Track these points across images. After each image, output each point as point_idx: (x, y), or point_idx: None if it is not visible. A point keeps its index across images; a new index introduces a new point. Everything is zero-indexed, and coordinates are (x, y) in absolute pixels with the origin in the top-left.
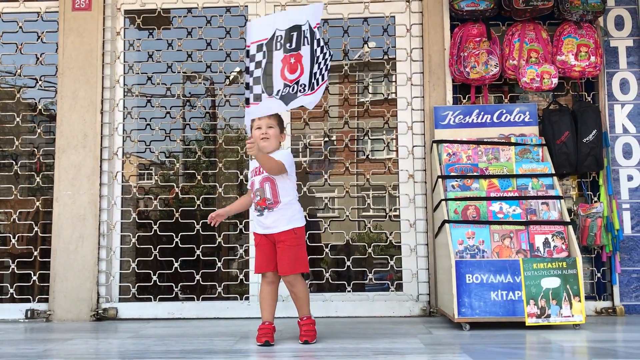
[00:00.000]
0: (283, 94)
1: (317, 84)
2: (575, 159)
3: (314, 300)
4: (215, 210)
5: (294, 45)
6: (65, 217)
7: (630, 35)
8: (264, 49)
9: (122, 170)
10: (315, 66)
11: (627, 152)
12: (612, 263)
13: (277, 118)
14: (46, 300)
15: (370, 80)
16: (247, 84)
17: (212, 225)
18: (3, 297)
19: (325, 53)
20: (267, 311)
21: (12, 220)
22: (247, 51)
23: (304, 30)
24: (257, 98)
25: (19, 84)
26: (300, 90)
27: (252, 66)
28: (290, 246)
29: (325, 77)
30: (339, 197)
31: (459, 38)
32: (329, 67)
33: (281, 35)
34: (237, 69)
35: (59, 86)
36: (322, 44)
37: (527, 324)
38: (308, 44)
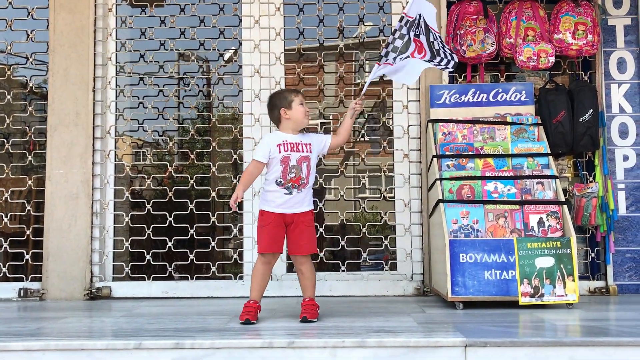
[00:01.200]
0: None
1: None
2: (571, 138)
3: None
4: (209, 189)
5: (418, 31)
6: (57, 196)
7: (628, 14)
8: (409, 24)
9: (115, 148)
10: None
11: (623, 132)
12: (607, 243)
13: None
14: (39, 280)
15: (366, 59)
16: (389, 44)
17: (235, 210)
18: None
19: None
20: (257, 290)
21: (4, 199)
22: (402, 17)
23: (420, 21)
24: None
25: (10, 62)
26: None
27: (397, 34)
28: (309, 226)
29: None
30: (334, 177)
31: (455, 16)
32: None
33: (417, 19)
34: (233, 48)
35: (50, 63)
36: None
37: (520, 303)
38: (423, 34)
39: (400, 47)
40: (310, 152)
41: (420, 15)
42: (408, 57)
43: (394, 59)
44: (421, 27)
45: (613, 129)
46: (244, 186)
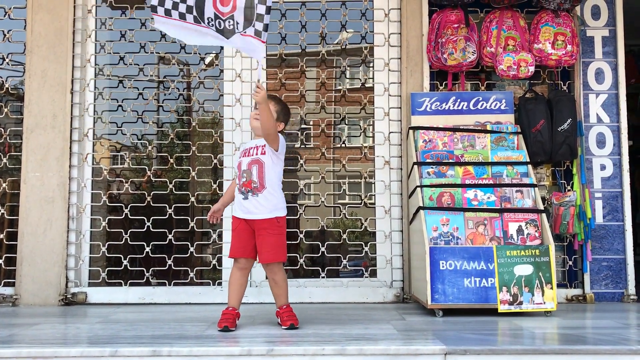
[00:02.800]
0: (218, 27)
1: (256, 34)
2: (550, 147)
3: (288, 286)
4: (188, 194)
5: None
6: (33, 200)
7: (606, 25)
8: None
9: (93, 152)
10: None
11: (601, 142)
12: (584, 251)
13: (278, 105)
14: (13, 285)
15: (348, 65)
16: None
17: (213, 223)
18: None
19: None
20: (233, 297)
21: None
22: None
23: None
24: (182, 17)
25: None
26: (236, 27)
27: None
28: (273, 234)
29: (264, 35)
30: (315, 183)
31: (437, 24)
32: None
33: None
34: (214, 52)
35: (27, 65)
36: None
37: (499, 311)
38: None
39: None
40: (263, 153)
41: None
42: (215, 14)
43: (207, 24)
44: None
45: (591, 138)
46: (224, 200)
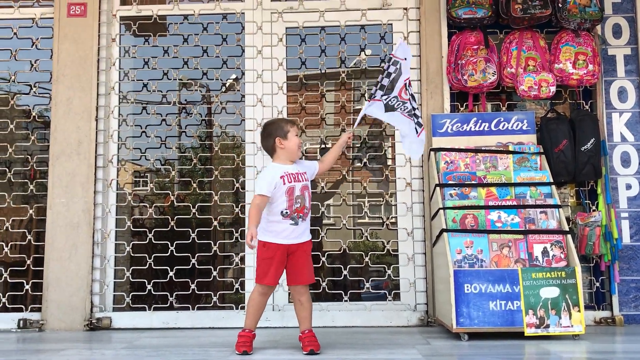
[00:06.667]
0: (394, 104)
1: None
2: (574, 167)
3: None
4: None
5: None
6: (58, 225)
7: (628, 44)
8: (399, 66)
9: (117, 177)
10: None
11: (626, 161)
12: (611, 272)
13: (295, 126)
14: (39, 310)
15: (367, 87)
16: (378, 82)
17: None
18: None
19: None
20: (253, 320)
21: (5, 228)
22: (390, 58)
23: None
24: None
25: (13, 91)
26: (411, 109)
27: (385, 74)
28: (309, 255)
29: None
30: (336, 205)
31: (456, 46)
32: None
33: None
34: (234, 76)
35: (54, 93)
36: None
37: (526, 334)
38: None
39: (387, 85)
40: (307, 179)
41: (405, 59)
42: (396, 96)
43: (382, 96)
44: (402, 70)
45: (615, 157)
46: (255, 222)
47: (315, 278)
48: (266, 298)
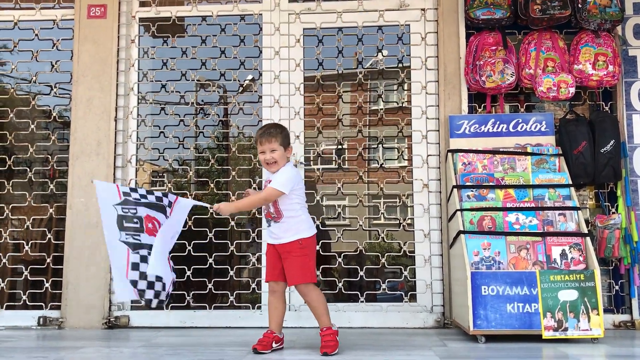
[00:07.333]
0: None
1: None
2: (593, 169)
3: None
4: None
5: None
6: (78, 225)
7: None
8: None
9: (136, 177)
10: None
11: None
12: (631, 275)
13: (280, 137)
14: (58, 308)
15: (384, 88)
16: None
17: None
18: (16, 303)
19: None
20: (270, 319)
21: (25, 226)
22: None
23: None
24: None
25: (33, 91)
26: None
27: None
28: (296, 256)
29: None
30: (352, 206)
31: (474, 47)
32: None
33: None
34: (250, 77)
35: (74, 93)
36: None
37: (543, 337)
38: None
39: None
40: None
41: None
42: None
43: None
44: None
45: (636, 159)
46: (244, 204)
47: (331, 279)
48: (274, 296)
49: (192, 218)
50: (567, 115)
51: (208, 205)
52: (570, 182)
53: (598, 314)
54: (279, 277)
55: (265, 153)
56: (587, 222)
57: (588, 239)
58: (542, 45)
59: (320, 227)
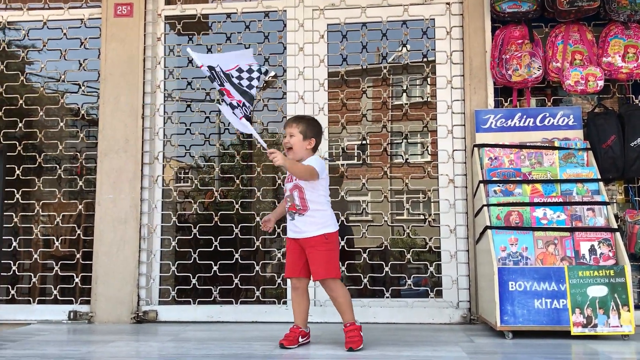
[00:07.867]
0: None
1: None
2: (622, 163)
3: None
4: (253, 213)
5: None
6: (106, 221)
7: None
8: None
9: (163, 174)
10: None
11: None
12: None
13: (301, 125)
14: (88, 302)
15: (409, 83)
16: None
17: (266, 231)
18: (47, 298)
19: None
20: (295, 315)
21: (55, 223)
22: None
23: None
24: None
25: (62, 90)
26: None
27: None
28: (321, 251)
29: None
30: (376, 202)
31: (500, 40)
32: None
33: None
34: (273, 73)
35: (101, 91)
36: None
37: (572, 334)
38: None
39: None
40: (295, 179)
41: (216, 66)
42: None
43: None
44: (221, 76)
45: None
46: (276, 211)
47: (356, 274)
48: (296, 292)
49: (219, 214)
50: (595, 108)
51: (265, 145)
52: (599, 177)
53: (629, 310)
54: (300, 273)
55: (285, 137)
56: (616, 217)
57: (618, 234)
58: (569, 38)
59: (345, 223)
